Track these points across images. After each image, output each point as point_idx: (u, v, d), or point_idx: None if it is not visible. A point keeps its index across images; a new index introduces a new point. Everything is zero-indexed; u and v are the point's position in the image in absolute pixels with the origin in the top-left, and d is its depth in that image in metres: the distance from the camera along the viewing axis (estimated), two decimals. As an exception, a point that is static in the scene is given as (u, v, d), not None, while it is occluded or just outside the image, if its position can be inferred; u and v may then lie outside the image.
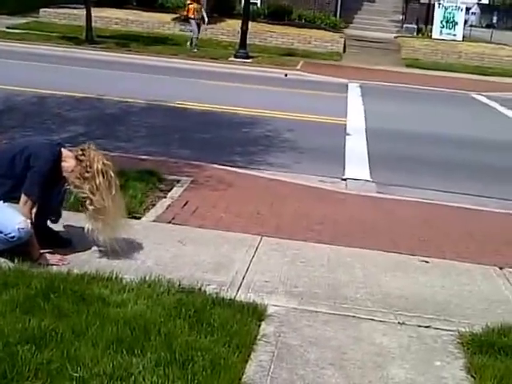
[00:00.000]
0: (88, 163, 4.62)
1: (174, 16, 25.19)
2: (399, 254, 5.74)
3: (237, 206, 6.73)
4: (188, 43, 21.82)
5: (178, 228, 5.84)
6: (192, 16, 21.54)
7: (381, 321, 4.42)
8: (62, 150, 4.77)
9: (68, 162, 4.70)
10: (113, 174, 4.69)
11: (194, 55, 20.48)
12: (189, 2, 21.77)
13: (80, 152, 4.71)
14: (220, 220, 6.23)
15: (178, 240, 5.47)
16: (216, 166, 8.28)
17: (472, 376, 3.81)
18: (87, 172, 4.61)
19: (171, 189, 6.93)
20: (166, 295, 4.26)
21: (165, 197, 6.65)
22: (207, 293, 4.39)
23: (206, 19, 21.96)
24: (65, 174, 4.70)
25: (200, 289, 4.43)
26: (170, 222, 5.97)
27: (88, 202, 4.62)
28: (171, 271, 4.76)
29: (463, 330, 4.32)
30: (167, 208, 6.36)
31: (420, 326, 4.38)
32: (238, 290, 4.62)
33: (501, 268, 5.56)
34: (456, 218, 7.12)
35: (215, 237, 5.69)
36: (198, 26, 21.72)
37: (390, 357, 3.98)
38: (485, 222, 7.05)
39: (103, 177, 4.61)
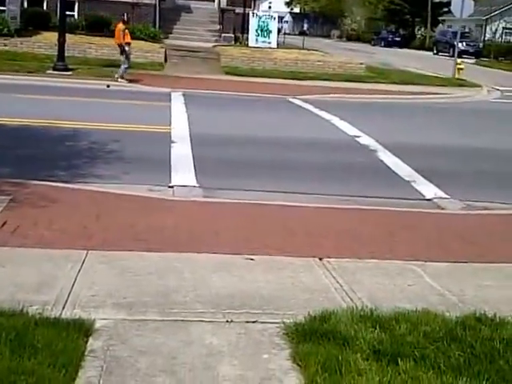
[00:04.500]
0: None
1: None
2: (226, 254, 5.89)
3: (61, 222, 6.52)
4: (120, 73, 19.33)
5: (-4, 250, 5.57)
6: (129, 41, 19.35)
7: (210, 321, 4.52)
8: None
9: None
10: None
11: (10, 69, 19.53)
12: (122, 25, 19.28)
13: None
14: (43, 237, 6.01)
15: (-4, 262, 5.23)
16: (37, 182, 7.97)
17: (298, 364, 4.00)
18: None
19: (-13, 210, 6.59)
20: (-16, 321, 4.07)
21: (-19, 218, 6.31)
22: (30, 314, 4.24)
23: None
24: None
25: (22, 310, 4.27)
26: (-14, 245, 5.68)
27: None
28: (-11, 295, 4.55)
29: (288, 321, 4.52)
30: (-17, 230, 6.04)
31: (247, 322, 4.54)
32: (63, 308, 4.50)
33: (320, 259, 5.90)
34: (278, 216, 7.41)
35: (37, 255, 5.51)
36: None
37: (219, 356, 4.08)
38: (303, 218, 7.41)
39: None
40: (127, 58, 19.48)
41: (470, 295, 5.27)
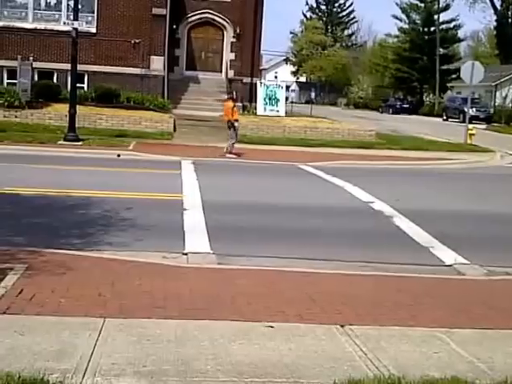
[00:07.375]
0: None
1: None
2: (244, 321, 5.78)
3: (77, 290, 6.46)
4: (228, 148, 19.61)
5: (14, 318, 5.50)
6: (238, 118, 19.76)
7: (233, 390, 4.40)
8: None
9: None
10: None
11: (22, 141, 19.79)
12: (232, 103, 19.79)
13: None
14: (60, 305, 5.95)
15: (15, 330, 5.16)
16: (52, 250, 7.95)
17: None
18: None
19: (4, 278, 6.54)
20: (5, 390, 3.97)
21: (-3, 287, 6.25)
22: (50, 382, 4.16)
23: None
24: None
25: (42, 379, 4.19)
26: (4, 313, 5.61)
27: None
28: (10, 363, 4.47)
29: (313, 390, 4.39)
30: (0, 298, 5.97)
31: (272, 391, 4.41)
32: (83, 376, 4.41)
33: (342, 326, 5.77)
34: (295, 282, 7.31)
35: (55, 323, 5.43)
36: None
37: (245, 426, 3.94)
38: (321, 284, 7.30)
39: None
40: (235, 133, 19.75)
41: (500, 362, 5.12)
